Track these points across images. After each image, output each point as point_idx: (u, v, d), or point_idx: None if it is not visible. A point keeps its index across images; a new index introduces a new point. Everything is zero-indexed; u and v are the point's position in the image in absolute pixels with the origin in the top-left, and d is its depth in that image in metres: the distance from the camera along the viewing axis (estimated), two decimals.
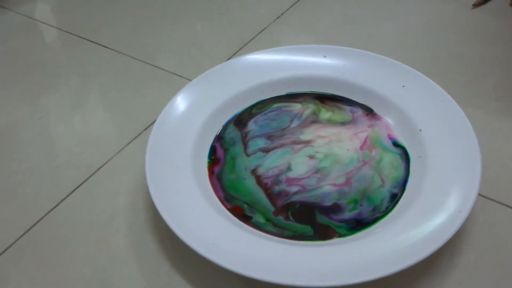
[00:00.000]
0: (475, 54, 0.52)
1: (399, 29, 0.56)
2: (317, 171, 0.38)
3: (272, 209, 0.36)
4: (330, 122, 0.43)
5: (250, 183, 0.38)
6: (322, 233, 0.34)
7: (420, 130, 0.40)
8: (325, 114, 0.44)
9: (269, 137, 0.42)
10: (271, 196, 0.37)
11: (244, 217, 0.36)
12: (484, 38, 0.54)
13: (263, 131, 0.42)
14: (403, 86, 0.43)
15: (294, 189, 0.37)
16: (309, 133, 0.42)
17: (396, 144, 0.41)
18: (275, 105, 0.45)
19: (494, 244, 0.35)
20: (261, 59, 0.47)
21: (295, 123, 0.43)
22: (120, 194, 0.41)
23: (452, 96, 0.41)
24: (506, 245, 0.35)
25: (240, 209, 0.36)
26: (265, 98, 0.45)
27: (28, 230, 0.39)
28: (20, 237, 0.38)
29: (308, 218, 0.35)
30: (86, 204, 0.40)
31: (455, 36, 0.54)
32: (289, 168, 0.39)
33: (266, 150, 0.40)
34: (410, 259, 0.30)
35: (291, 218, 0.35)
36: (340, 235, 0.34)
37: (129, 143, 0.45)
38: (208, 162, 0.40)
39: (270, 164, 0.39)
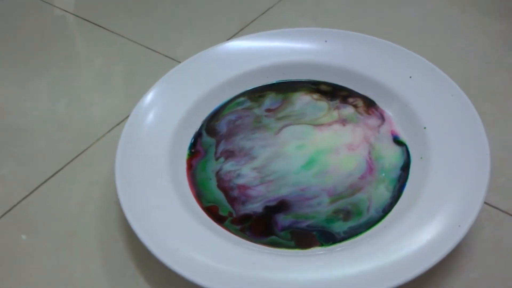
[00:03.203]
0: (497, 45, 0.46)
1: (415, 13, 0.51)
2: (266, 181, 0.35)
3: (234, 214, 0.33)
4: (313, 124, 0.38)
5: (213, 184, 0.35)
6: (302, 241, 0.31)
7: (425, 128, 0.35)
8: (307, 112, 0.39)
9: (232, 140, 0.38)
10: (230, 200, 0.34)
11: (219, 218, 0.33)
12: (508, 26, 0.48)
13: (228, 134, 0.38)
14: (410, 77, 0.38)
15: (244, 198, 0.34)
16: (281, 137, 0.37)
17: (397, 141, 0.36)
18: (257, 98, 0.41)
19: (500, 260, 0.31)
20: (255, 42, 0.43)
21: (268, 124, 0.39)
22: (95, 185, 0.38)
23: (466, 90, 0.37)
24: None
25: (216, 208, 0.33)
26: (257, 86, 0.41)
27: None
28: None
29: (265, 231, 0.32)
30: (58, 195, 0.38)
31: (476, 23, 0.49)
32: (239, 176, 0.35)
33: (227, 156, 0.36)
34: (395, 278, 0.26)
35: (247, 232, 0.32)
36: (322, 245, 0.30)
37: (112, 129, 0.43)
38: (188, 155, 0.37)
39: (228, 168, 0.36)
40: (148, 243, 0.28)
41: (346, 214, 0.32)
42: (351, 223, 0.31)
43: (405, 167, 0.34)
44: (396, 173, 0.34)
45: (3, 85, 0.48)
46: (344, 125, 0.37)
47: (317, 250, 0.30)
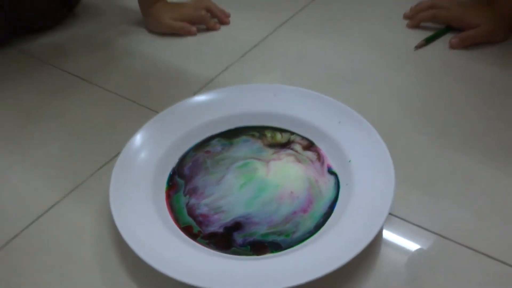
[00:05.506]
0: (411, 85, 0.59)
1: (344, 67, 0.63)
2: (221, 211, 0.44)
3: (202, 232, 0.43)
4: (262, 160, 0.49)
5: (185, 212, 0.44)
6: (258, 250, 0.41)
7: (350, 161, 0.46)
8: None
9: (194, 181, 0.47)
10: (198, 223, 0.43)
11: (193, 235, 0.42)
12: (425, 76, 0.61)
13: (191, 176, 0.48)
14: (339, 122, 0.50)
15: (207, 222, 0.44)
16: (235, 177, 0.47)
17: (330, 171, 0.47)
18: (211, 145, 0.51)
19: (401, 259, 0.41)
20: (211, 98, 0.54)
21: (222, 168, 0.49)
22: (92, 214, 0.46)
23: (382, 129, 0.48)
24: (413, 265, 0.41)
25: (191, 227, 0.43)
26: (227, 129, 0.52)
27: None
28: None
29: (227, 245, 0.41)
30: (58, 221, 0.46)
31: (397, 74, 0.62)
32: (199, 208, 0.45)
33: (191, 193, 0.46)
34: (325, 269, 0.36)
35: (212, 245, 0.41)
36: (272, 251, 0.40)
37: (102, 166, 0.51)
38: (166, 187, 0.46)
39: (192, 202, 0.45)
40: (138, 252, 0.38)
41: (279, 233, 0.42)
42: (284, 238, 0.42)
43: (333, 203, 0.44)
44: (324, 209, 0.44)
45: None
46: (291, 161, 0.49)
47: (268, 256, 0.40)
